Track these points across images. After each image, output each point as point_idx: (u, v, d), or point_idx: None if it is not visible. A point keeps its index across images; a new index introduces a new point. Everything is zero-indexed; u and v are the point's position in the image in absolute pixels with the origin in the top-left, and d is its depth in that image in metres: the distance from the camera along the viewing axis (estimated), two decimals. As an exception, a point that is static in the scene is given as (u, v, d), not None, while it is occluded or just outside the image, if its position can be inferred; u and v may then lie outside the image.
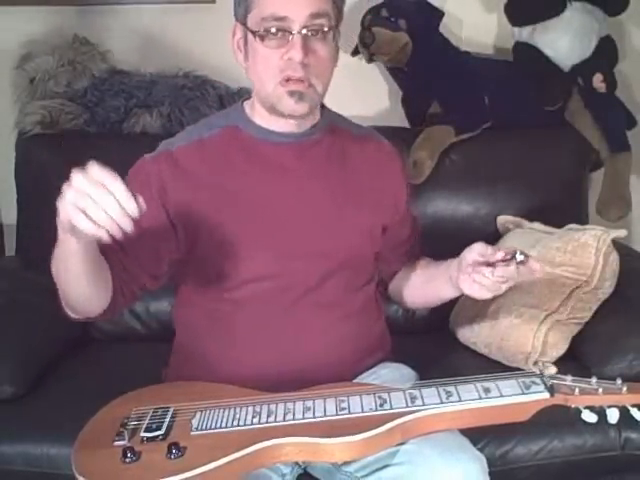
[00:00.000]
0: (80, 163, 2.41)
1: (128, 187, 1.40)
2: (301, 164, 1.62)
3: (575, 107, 2.56)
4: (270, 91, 1.53)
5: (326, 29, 1.51)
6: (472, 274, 1.56)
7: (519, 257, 1.49)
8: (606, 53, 2.55)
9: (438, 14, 2.52)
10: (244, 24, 1.54)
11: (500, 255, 1.52)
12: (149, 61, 2.56)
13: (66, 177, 2.46)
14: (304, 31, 1.48)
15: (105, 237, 1.25)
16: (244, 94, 2.48)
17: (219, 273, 1.60)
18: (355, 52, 2.55)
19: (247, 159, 1.61)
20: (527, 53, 2.56)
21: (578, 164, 2.52)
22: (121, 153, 2.31)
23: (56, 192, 2.37)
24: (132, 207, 1.23)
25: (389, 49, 2.48)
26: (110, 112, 2.44)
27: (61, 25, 2.50)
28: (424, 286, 1.79)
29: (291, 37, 1.48)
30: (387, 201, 1.71)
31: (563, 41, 2.51)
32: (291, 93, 1.51)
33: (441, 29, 2.54)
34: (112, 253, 1.48)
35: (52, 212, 2.34)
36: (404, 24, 2.47)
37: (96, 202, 1.22)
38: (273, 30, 1.48)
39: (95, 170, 1.23)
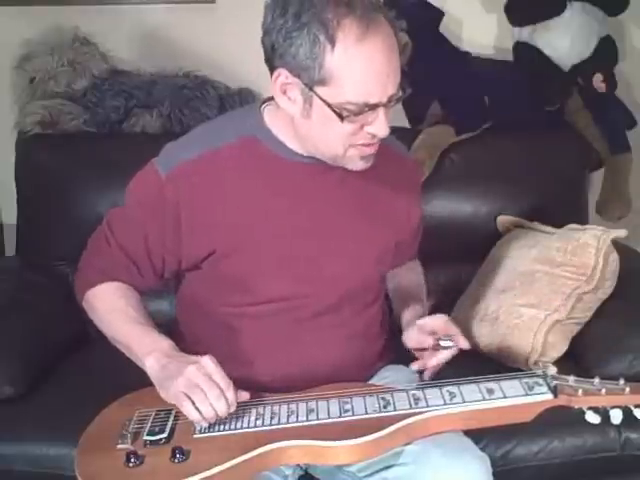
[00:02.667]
0: (80, 163, 2.43)
1: (139, 204, 1.59)
2: (320, 185, 1.57)
3: (575, 107, 2.56)
4: (340, 153, 1.48)
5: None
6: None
7: (444, 344, 1.56)
8: (606, 53, 2.55)
9: (438, 14, 2.52)
10: (310, 88, 1.41)
11: (429, 343, 1.57)
12: (149, 61, 2.56)
13: (66, 177, 2.45)
14: (388, 104, 1.43)
15: (203, 424, 1.40)
16: (244, 94, 2.49)
17: (230, 291, 1.59)
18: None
19: (265, 176, 1.55)
20: (527, 53, 2.56)
21: (578, 164, 2.52)
22: (121, 153, 2.35)
23: (56, 192, 2.39)
24: (234, 407, 1.39)
25: (389, 49, 2.47)
26: (110, 112, 2.44)
27: (61, 25, 2.49)
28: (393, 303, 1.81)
29: (374, 112, 1.42)
30: (402, 218, 1.68)
31: (563, 41, 2.51)
32: (365, 157, 1.49)
33: (441, 29, 2.54)
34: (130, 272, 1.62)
35: (52, 212, 2.37)
36: (404, 24, 2.47)
37: (207, 397, 1.37)
38: (360, 111, 1.41)
39: (210, 366, 1.39)
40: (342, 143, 1.46)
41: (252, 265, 1.56)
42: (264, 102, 1.60)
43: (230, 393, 1.38)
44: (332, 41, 1.36)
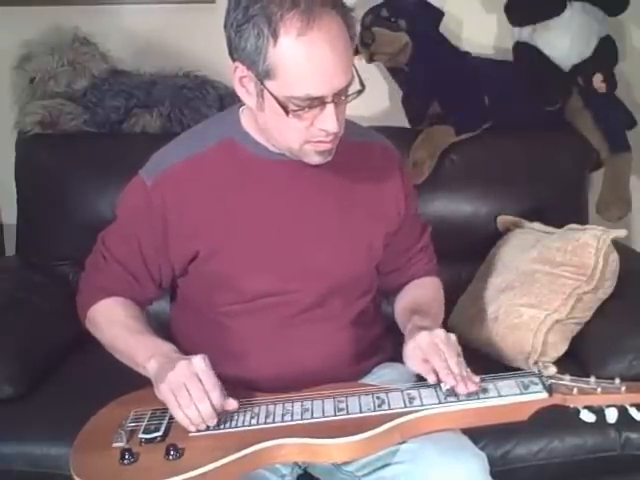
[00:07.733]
0: (80, 163, 2.44)
1: (128, 216, 1.61)
2: (299, 182, 1.58)
3: (575, 107, 2.56)
4: (296, 147, 1.49)
5: (349, 90, 1.45)
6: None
7: (445, 387, 1.42)
8: (606, 53, 2.55)
9: (438, 14, 2.52)
10: (260, 81, 1.43)
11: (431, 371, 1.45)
12: (149, 61, 2.57)
13: (66, 177, 2.46)
14: (336, 99, 1.43)
15: (193, 429, 1.40)
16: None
17: (217, 290, 1.60)
18: (355, 52, 2.54)
19: (244, 176, 1.57)
20: (527, 53, 2.56)
21: (578, 164, 2.52)
22: (121, 153, 2.35)
23: (56, 192, 2.40)
24: (220, 407, 1.39)
25: (389, 49, 2.48)
26: (110, 112, 2.44)
27: (61, 25, 2.50)
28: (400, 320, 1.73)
29: (323, 107, 1.42)
30: (389, 208, 1.68)
31: (563, 41, 2.51)
32: (321, 152, 1.49)
33: (441, 29, 2.54)
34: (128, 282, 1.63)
35: (52, 212, 2.37)
36: (404, 24, 2.47)
37: (192, 399, 1.37)
38: (304, 105, 1.41)
39: (199, 365, 1.39)
40: (296, 138, 1.47)
41: (235, 264, 1.56)
42: (242, 104, 1.60)
43: (215, 394, 1.38)
44: (275, 35, 1.37)
